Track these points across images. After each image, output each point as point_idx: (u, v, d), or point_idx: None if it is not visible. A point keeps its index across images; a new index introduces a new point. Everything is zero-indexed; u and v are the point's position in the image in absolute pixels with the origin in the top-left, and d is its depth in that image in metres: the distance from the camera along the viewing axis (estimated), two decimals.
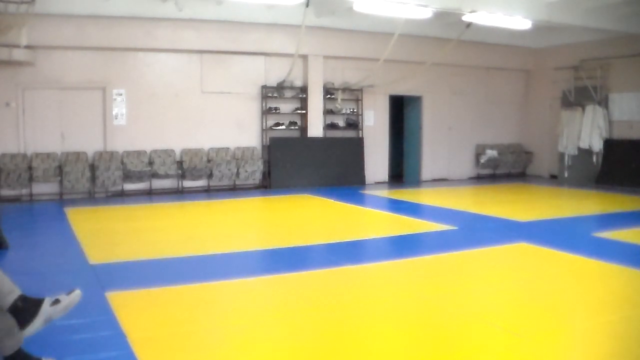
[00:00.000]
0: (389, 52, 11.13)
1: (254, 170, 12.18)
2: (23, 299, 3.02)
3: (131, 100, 11.45)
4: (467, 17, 10.41)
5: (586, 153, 13.73)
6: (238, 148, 12.39)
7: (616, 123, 13.48)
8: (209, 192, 11.99)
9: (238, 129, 12.43)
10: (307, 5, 9.72)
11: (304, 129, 12.91)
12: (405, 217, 9.22)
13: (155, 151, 11.65)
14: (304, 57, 12.63)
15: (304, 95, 12.84)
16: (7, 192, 10.39)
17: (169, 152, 11.73)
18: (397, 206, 10.67)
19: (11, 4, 9.02)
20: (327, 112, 13.15)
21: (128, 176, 11.12)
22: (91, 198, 11.02)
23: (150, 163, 11.52)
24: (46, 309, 3.02)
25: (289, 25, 11.73)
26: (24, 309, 2.99)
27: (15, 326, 2.96)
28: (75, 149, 11.05)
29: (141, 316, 4.18)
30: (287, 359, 3.56)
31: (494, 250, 6.59)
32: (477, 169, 15.19)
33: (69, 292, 3.15)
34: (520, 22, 10.92)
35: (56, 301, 3.07)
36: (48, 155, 10.78)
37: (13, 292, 2.99)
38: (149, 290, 4.84)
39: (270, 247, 6.92)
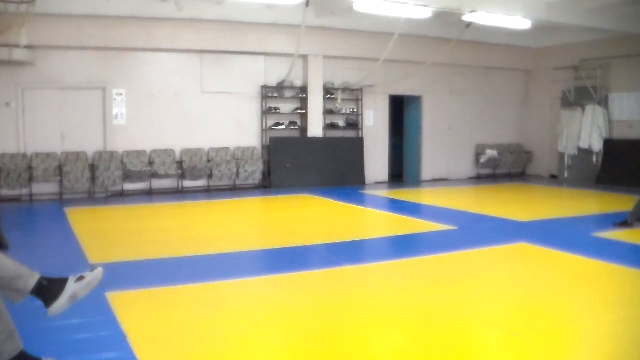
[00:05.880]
0: (389, 52, 11.13)
1: (254, 170, 12.18)
2: (47, 279, 3.00)
3: (131, 100, 11.46)
4: (467, 17, 10.41)
5: (586, 153, 13.73)
6: (238, 148, 12.39)
7: (616, 123, 13.49)
8: (209, 192, 11.99)
9: (238, 129, 12.43)
10: (307, 5, 9.72)
11: (304, 129, 12.91)
12: (406, 217, 9.22)
13: (155, 151, 11.65)
14: (304, 57, 12.63)
15: (304, 95, 12.84)
16: (7, 192, 10.39)
17: (169, 152, 11.73)
18: (397, 206, 10.67)
19: (11, 4, 9.01)
20: (327, 112, 13.14)
21: (128, 176, 11.12)
22: (91, 198, 11.02)
23: (150, 163, 11.52)
24: (71, 286, 3.00)
25: (289, 25, 11.72)
26: (49, 288, 2.97)
27: (15, 331, 2.95)
28: (75, 149, 11.06)
29: (141, 316, 4.18)
30: (287, 359, 3.56)
31: (494, 250, 6.58)
32: (477, 169, 15.19)
33: (92, 270, 3.14)
34: (520, 22, 10.91)
35: (80, 278, 3.05)
36: (48, 155, 10.78)
37: (34, 275, 2.97)
38: (149, 290, 4.84)
39: (270, 247, 6.92)
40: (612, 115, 13.51)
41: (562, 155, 14.35)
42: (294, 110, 12.96)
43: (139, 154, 11.49)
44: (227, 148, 12.29)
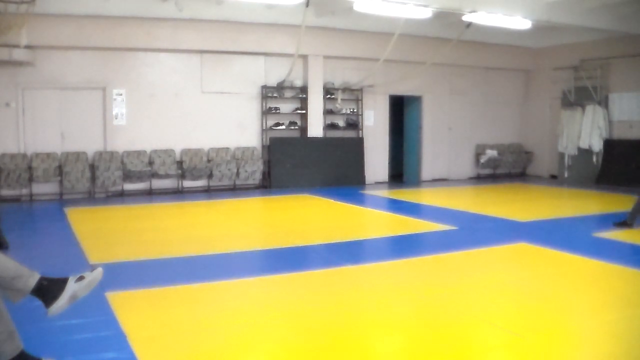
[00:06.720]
0: (389, 52, 11.13)
1: (254, 170, 12.18)
2: (47, 278, 3.01)
3: (131, 100, 11.45)
4: (467, 17, 10.41)
5: (586, 153, 13.73)
6: (238, 148, 12.39)
7: (616, 123, 13.49)
8: (209, 192, 11.99)
9: (238, 129, 12.43)
10: (307, 5, 9.72)
11: (304, 129, 12.91)
12: (405, 217, 9.22)
13: (155, 151, 11.65)
14: (304, 57, 12.63)
15: (304, 95, 12.84)
16: (7, 192, 10.39)
17: (169, 152, 11.73)
18: (397, 206, 10.67)
19: (11, 4, 9.01)
20: (327, 112, 13.14)
21: (128, 176, 11.12)
22: (91, 198, 11.02)
23: (150, 163, 11.52)
24: (71, 286, 3.01)
25: (289, 25, 11.72)
26: (49, 288, 2.98)
27: (15, 331, 2.95)
28: (75, 149, 11.06)
29: (141, 316, 4.18)
30: (287, 359, 3.56)
31: (494, 250, 6.59)
32: (477, 169, 15.19)
33: (92, 270, 3.15)
34: (520, 22, 10.91)
35: (80, 278, 3.05)
36: (48, 155, 10.78)
37: (34, 275, 2.98)
38: (149, 290, 4.84)
39: (270, 247, 6.92)
40: (612, 115, 13.51)
41: (562, 155, 14.35)
42: (294, 110, 12.96)
43: (139, 154, 11.49)
44: (227, 148, 12.29)
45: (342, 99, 13.21)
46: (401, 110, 14.75)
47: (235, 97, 12.38)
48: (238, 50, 12.07)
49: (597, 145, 13.50)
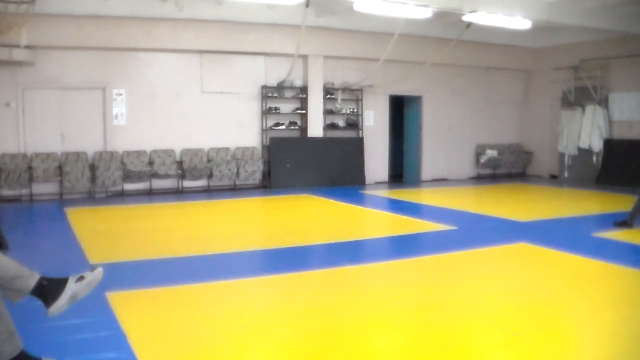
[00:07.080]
0: (389, 52, 11.13)
1: (254, 170, 12.18)
2: (47, 279, 3.01)
3: (131, 100, 11.45)
4: (467, 17, 10.41)
5: (586, 153, 13.73)
6: (238, 148, 12.39)
7: (616, 123, 13.49)
8: (209, 192, 11.99)
9: (238, 129, 12.43)
10: (307, 5, 9.72)
11: (304, 129, 12.91)
12: (405, 217, 9.22)
13: (155, 151, 11.65)
14: (304, 57, 12.63)
15: (304, 95, 12.84)
16: (7, 192, 10.39)
17: (169, 152, 11.73)
18: (397, 206, 10.67)
19: (11, 4, 9.01)
20: (327, 112, 13.14)
21: (128, 176, 11.12)
22: (91, 198, 11.02)
23: (150, 163, 11.52)
24: (71, 286, 3.01)
25: (289, 25, 11.72)
26: (49, 288, 2.98)
27: (15, 331, 2.95)
28: (75, 149, 11.06)
29: (141, 316, 4.18)
30: (287, 359, 3.56)
31: (494, 250, 6.59)
32: (477, 169, 15.19)
33: (92, 270, 3.15)
34: (520, 22, 10.92)
35: (80, 278, 3.06)
36: (48, 155, 10.78)
37: (34, 275, 2.98)
38: (149, 290, 4.84)
39: (270, 247, 6.92)
40: (612, 115, 13.51)
41: (562, 155, 14.35)
42: (294, 110, 12.96)
43: (139, 154, 11.49)
44: (227, 148, 12.29)
45: (342, 99, 13.22)
46: (401, 110, 14.75)
47: (235, 97, 12.38)
48: (238, 50, 12.07)
49: (597, 145, 13.51)
